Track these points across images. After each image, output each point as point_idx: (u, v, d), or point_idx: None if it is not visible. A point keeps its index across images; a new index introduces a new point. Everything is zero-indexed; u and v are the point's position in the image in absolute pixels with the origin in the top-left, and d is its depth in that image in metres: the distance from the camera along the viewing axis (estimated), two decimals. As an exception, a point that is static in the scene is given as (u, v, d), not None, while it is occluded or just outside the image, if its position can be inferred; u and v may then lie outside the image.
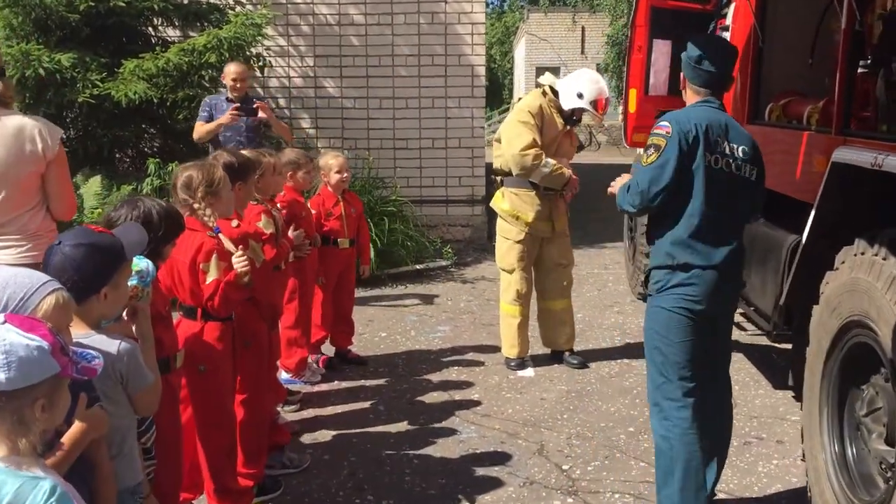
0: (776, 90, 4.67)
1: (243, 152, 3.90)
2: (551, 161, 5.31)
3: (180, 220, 2.96)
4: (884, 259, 2.93)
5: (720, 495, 3.86)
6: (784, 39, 4.66)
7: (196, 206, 3.26)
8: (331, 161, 5.31)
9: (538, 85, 5.61)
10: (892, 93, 3.23)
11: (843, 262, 3.27)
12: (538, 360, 5.72)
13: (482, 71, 9.62)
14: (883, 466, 2.97)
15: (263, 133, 6.48)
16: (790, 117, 4.38)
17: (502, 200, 5.56)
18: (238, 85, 6.07)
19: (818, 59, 4.33)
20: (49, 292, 1.97)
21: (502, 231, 5.59)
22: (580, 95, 5.36)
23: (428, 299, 7.51)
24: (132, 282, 2.47)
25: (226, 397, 3.50)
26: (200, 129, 6.11)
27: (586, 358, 5.71)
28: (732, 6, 5.25)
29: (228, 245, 3.29)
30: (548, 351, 5.80)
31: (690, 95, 3.41)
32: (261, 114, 6.06)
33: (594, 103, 5.38)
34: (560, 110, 5.43)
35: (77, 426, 2.01)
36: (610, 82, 19.86)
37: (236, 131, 6.12)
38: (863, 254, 3.09)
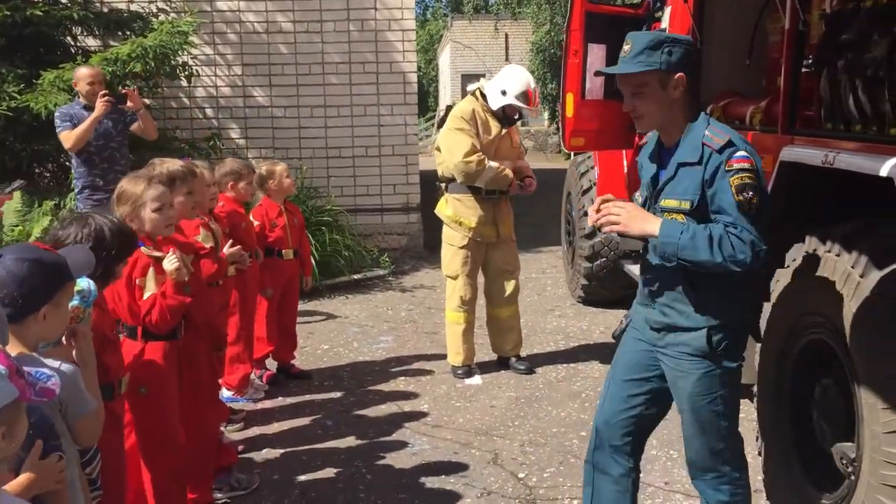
0: (715, 91, 4.72)
1: (177, 163, 3.72)
2: (493, 164, 5.29)
3: (133, 238, 2.80)
4: (837, 255, 2.95)
5: (676, 496, 3.87)
6: (721, 41, 4.72)
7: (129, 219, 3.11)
8: (277, 168, 5.18)
9: (470, 93, 5.58)
10: (835, 91, 3.27)
11: (794, 260, 3.30)
12: (485, 367, 5.67)
13: (414, 78, 9.55)
14: (843, 461, 2.99)
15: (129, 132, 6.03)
16: (731, 118, 4.42)
17: (446, 206, 5.51)
18: (95, 88, 5.70)
19: (756, 59, 4.39)
20: None
21: (447, 237, 5.53)
22: (504, 92, 5.33)
23: (368, 310, 7.39)
24: (73, 302, 2.31)
25: (170, 419, 3.33)
26: (72, 134, 5.59)
27: (532, 363, 5.68)
28: (668, 9, 5.29)
29: (154, 252, 3.14)
30: (493, 357, 5.75)
31: (687, 103, 2.73)
32: (129, 102, 5.73)
33: (522, 96, 5.32)
34: (493, 113, 5.38)
35: (24, 477, 1.85)
36: (537, 88, 20.00)
37: (107, 137, 5.76)
38: (815, 251, 3.12)
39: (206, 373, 3.60)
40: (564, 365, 5.74)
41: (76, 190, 5.94)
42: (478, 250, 5.49)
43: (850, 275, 2.84)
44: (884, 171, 2.63)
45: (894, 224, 2.61)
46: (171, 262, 3.10)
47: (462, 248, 5.45)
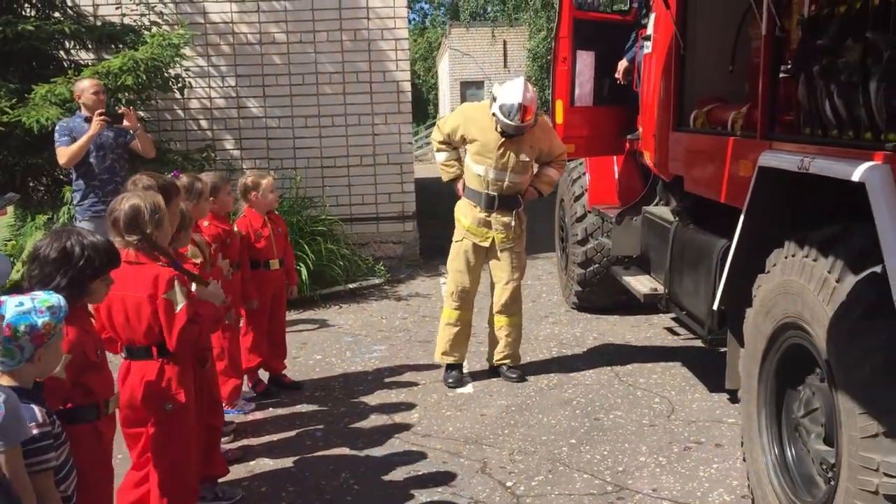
0: (699, 97, 4.73)
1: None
2: (441, 157, 5.45)
3: (114, 256, 2.79)
4: (814, 261, 2.96)
5: (664, 503, 3.86)
6: (705, 47, 4.73)
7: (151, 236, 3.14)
8: (262, 181, 5.18)
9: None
10: (812, 96, 3.28)
11: (774, 265, 3.31)
12: (477, 376, 5.67)
13: (408, 87, 9.56)
14: (823, 467, 2.99)
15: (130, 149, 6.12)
16: (714, 123, 4.44)
17: (459, 203, 5.59)
18: (99, 97, 5.78)
19: (739, 65, 4.40)
20: None
21: (455, 231, 5.60)
22: (494, 99, 5.17)
23: (362, 319, 7.39)
24: (44, 318, 2.31)
25: (191, 436, 3.36)
26: (67, 150, 5.67)
27: (524, 371, 5.67)
28: (653, 16, 5.31)
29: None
30: (486, 366, 5.75)
31: None
32: (126, 122, 5.78)
33: (505, 109, 5.03)
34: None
35: None
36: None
37: (107, 149, 5.82)
38: (793, 256, 3.13)
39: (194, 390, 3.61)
40: (557, 372, 5.73)
41: (75, 202, 5.99)
42: (476, 252, 5.45)
43: (826, 279, 2.85)
44: (856, 177, 2.64)
45: (869, 229, 2.60)
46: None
47: (458, 241, 5.51)
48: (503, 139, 5.22)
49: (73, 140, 5.71)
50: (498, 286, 5.52)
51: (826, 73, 3.12)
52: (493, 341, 5.66)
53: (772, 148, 3.42)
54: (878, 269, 2.62)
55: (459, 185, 5.51)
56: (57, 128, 5.86)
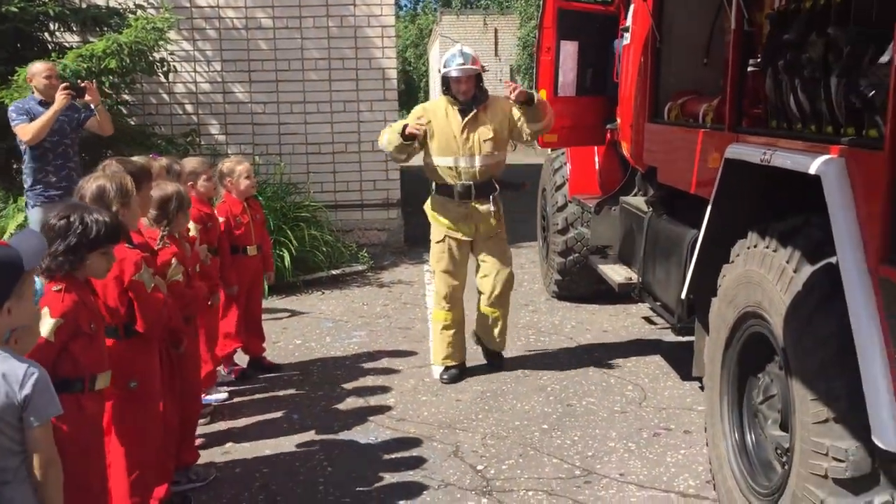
0: (674, 89, 4.79)
1: (134, 160, 3.78)
2: (384, 140, 5.25)
3: (114, 231, 2.89)
4: (774, 251, 3.03)
5: (630, 487, 3.94)
6: (680, 40, 4.78)
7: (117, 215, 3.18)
8: (237, 167, 5.21)
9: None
10: (778, 90, 3.34)
11: (737, 255, 3.38)
12: (454, 362, 5.73)
13: (393, 74, 9.59)
14: (778, 451, 3.07)
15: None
16: (688, 116, 4.50)
17: (429, 203, 5.47)
18: (52, 82, 5.72)
19: (713, 58, 4.46)
20: None
21: (431, 233, 5.48)
22: (439, 71, 5.25)
23: (344, 305, 7.45)
24: None
25: (157, 414, 3.43)
26: (30, 127, 5.57)
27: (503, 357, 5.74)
28: (632, 7, 5.36)
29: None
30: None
31: None
32: (88, 96, 5.71)
33: (446, 63, 5.12)
34: (456, 101, 5.19)
35: None
36: (523, 84, 20.06)
37: (61, 133, 5.76)
38: (755, 246, 3.20)
39: (164, 371, 3.66)
40: (533, 359, 5.81)
41: (27, 186, 5.91)
42: (458, 248, 5.37)
43: (784, 269, 2.92)
44: (812, 169, 2.70)
45: (827, 221, 2.67)
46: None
47: (439, 242, 5.40)
48: (464, 122, 5.14)
49: (32, 118, 5.63)
50: (490, 278, 5.40)
51: (790, 67, 3.18)
52: (482, 326, 5.58)
53: (738, 140, 3.49)
54: (833, 259, 2.68)
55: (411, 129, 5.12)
56: (12, 108, 5.78)
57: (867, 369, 2.42)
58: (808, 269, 2.81)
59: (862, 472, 2.56)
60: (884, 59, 2.61)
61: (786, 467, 2.95)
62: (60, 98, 5.56)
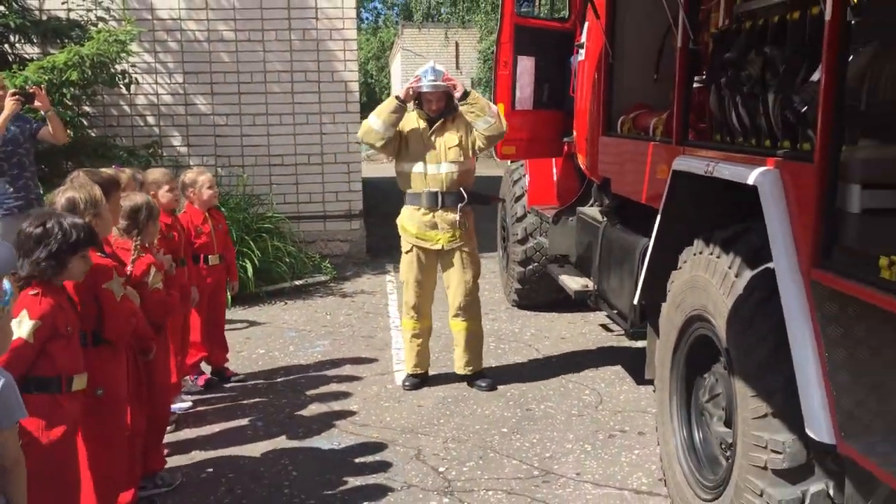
0: (627, 104, 4.98)
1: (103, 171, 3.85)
2: (367, 122, 5.38)
3: (91, 234, 2.98)
4: (717, 257, 3.21)
5: (586, 486, 4.09)
6: (632, 56, 4.97)
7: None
8: (199, 178, 5.28)
9: None
10: (721, 105, 3.53)
11: (685, 262, 3.55)
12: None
13: (356, 87, 9.72)
14: (723, 446, 3.24)
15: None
16: (639, 129, 4.68)
17: (400, 214, 5.52)
18: (1, 92, 5.69)
19: (663, 74, 4.66)
20: None
21: (401, 243, 5.53)
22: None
23: (307, 315, 7.53)
24: None
25: (124, 421, 3.49)
26: None
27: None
28: (587, 25, 5.55)
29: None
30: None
31: None
32: (37, 102, 5.72)
33: (422, 78, 5.26)
34: (423, 109, 5.34)
35: None
36: (483, 96, 20.23)
37: (14, 143, 5.72)
38: (701, 253, 3.37)
39: (131, 379, 3.72)
40: (493, 367, 5.93)
41: None
42: (426, 258, 5.42)
43: (726, 274, 3.09)
44: (750, 180, 2.89)
45: (765, 228, 2.85)
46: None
47: (406, 253, 5.46)
48: (431, 129, 5.28)
49: None
50: (451, 288, 5.45)
51: (732, 84, 3.38)
52: (456, 346, 5.57)
53: (685, 153, 3.67)
54: (770, 264, 2.86)
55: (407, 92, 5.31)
56: None
57: (800, 366, 2.60)
58: (748, 274, 2.99)
59: (798, 463, 2.74)
60: (815, 77, 2.80)
61: (729, 461, 3.12)
62: (10, 104, 5.54)
